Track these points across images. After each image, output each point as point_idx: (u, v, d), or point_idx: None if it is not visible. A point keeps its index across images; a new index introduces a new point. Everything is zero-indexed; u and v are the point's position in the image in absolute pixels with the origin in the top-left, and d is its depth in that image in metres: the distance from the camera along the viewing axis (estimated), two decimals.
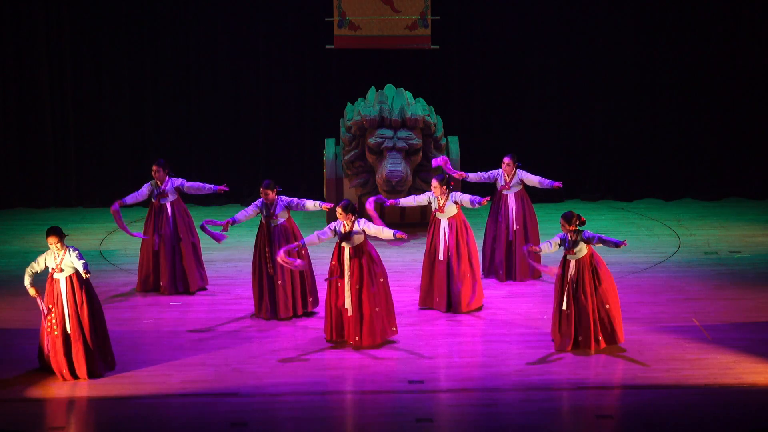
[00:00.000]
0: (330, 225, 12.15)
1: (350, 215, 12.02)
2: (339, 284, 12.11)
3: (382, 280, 12.17)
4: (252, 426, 10.18)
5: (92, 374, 11.28)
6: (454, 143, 17.30)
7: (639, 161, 19.09)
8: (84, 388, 11.03)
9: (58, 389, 10.99)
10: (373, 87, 17.08)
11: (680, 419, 10.31)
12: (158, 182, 14.04)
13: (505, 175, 14.47)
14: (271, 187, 13.05)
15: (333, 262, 12.19)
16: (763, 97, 18.88)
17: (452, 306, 13.27)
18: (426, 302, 13.45)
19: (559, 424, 10.22)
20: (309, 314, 13.22)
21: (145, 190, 14.06)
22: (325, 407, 10.64)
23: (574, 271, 11.85)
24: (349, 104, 17.17)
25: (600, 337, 11.85)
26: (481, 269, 13.91)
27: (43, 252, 11.35)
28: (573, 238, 11.85)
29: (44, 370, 11.35)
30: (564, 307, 11.85)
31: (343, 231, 12.04)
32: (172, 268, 14.08)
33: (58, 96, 18.67)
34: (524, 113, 19.11)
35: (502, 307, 13.42)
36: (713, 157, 19.06)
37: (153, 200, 14.08)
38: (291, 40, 18.81)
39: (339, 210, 12.02)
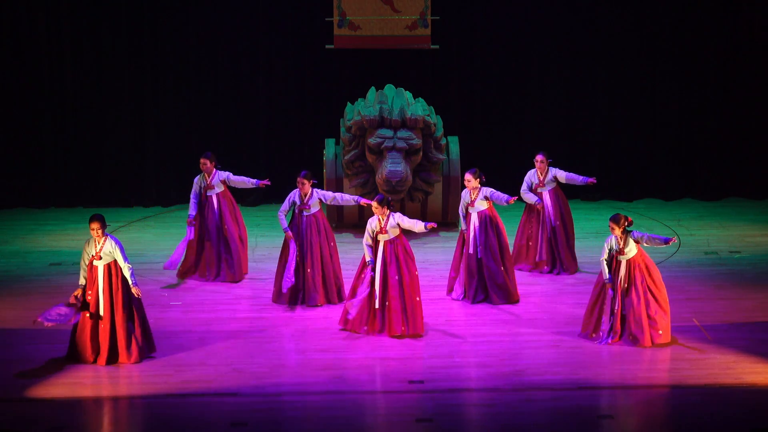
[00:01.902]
0: (367, 226, 12.47)
1: (385, 208, 12.39)
2: (368, 278, 12.42)
3: (416, 272, 12.50)
4: (252, 426, 10.18)
5: (112, 361, 11.57)
6: (454, 143, 17.30)
7: (639, 161, 19.10)
8: (84, 388, 11.03)
9: (58, 389, 10.99)
10: (373, 87, 17.09)
11: (680, 419, 10.31)
12: (206, 174, 14.45)
13: (539, 172, 14.64)
14: (309, 178, 13.51)
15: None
16: (763, 97, 18.89)
17: (487, 298, 13.60)
18: (455, 290, 13.75)
19: (559, 424, 10.21)
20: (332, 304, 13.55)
21: (195, 188, 14.46)
22: (325, 407, 10.64)
23: (625, 272, 12.06)
24: (349, 104, 17.17)
25: (656, 333, 12.06)
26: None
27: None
28: (623, 240, 12.00)
29: (72, 360, 11.56)
30: (616, 307, 12.05)
31: (378, 226, 12.39)
32: (217, 258, 14.45)
33: (58, 96, 18.67)
34: (524, 113, 19.12)
35: (503, 308, 13.42)
36: (713, 157, 19.07)
37: (202, 193, 14.52)
38: (291, 40, 18.81)
39: (375, 204, 12.40)
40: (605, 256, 12.13)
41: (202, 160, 14.51)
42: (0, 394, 10.87)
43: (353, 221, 17.16)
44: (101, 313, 11.59)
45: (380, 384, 11.14)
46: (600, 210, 18.47)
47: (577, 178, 14.75)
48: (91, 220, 11.60)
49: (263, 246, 16.33)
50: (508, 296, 13.57)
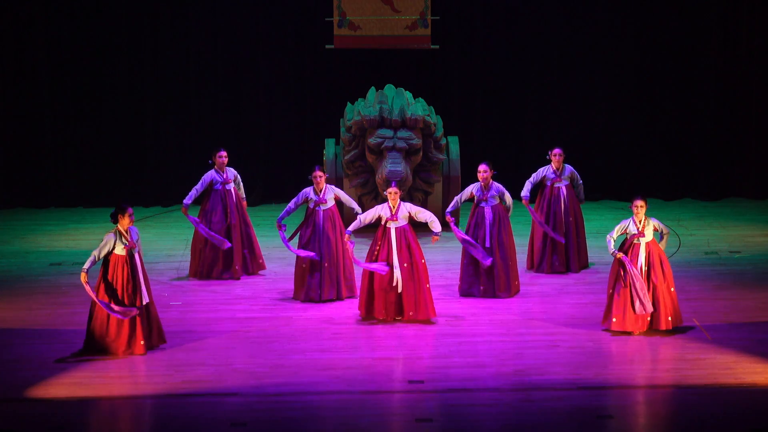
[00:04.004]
0: (374, 209, 12.82)
1: (398, 194, 12.82)
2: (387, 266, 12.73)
3: (423, 261, 12.81)
4: (252, 426, 10.17)
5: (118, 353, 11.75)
6: (454, 143, 17.30)
7: (639, 161, 19.10)
8: (84, 388, 11.03)
9: (58, 389, 10.98)
10: (373, 87, 17.08)
11: (680, 419, 10.30)
12: (222, 168, 14.54)
13: (554, 167, 14.61)
14: (324, 171, 13.73)
15: (378, 244, 12.76)
16: (763, 97, 18.89)
17: (495, 292, 13.71)
18: (468, 289, 13.81)
19: (559, 424, 10.21)
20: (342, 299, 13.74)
21: (205, 183, 14.52)
22: (325, 407, 10.64)
23: (645, 255, 12.18)
24: (349, 104, 17.17)
25: (669, 318, 12.22)
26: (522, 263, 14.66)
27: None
28: (643, 222, 12.19)
29: (93, 352, 11.72)
30: (641, 292, 12.12)
31: (389, 213, 12.71)
32: (241, 253, 14.65)
33: (58, 96, 18.67)
34: (524, 113, 19.12)
35: (503, 307, 13.43)
36: (713, 157, 19.07)
37: (217, 188, 14.55)
38: (291, 40, 18.81)
39: (395, 189, 12.74)
40: (615, 234, 12.23)
41: (224, 154, 14.53)
42: (0, 394, 10.87)
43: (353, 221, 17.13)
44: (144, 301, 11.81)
45: (380, 384, 11.13)
46: (600, 210, 18.47)
47: (581, 193, 14.88)
48: (127, 208, 11.70)
49: (264, 246, 16.31)
50: (511, 289, 13.76)
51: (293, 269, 13.97)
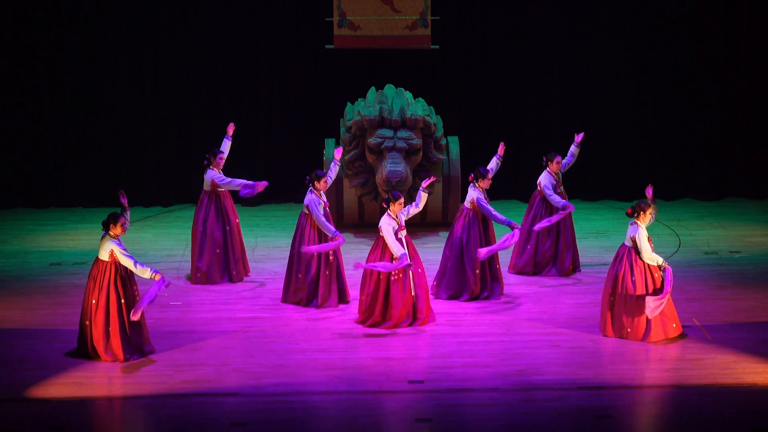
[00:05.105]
0: (389, 227, 12.42)
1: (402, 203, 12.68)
2: (407, 272, 12.58)
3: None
4: (252, 426, 10.18)
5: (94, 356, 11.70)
6: (454, 143, 17.30)
7: (639, 161, 19.09)
8: (84, 388, 11.03)
9: (58, 389, 10.99)
10: (373, 87, 17.09)
11: (680, 419, 10.31)
12: (220, 169, 14.36)
13: (554, 173, 14.58)
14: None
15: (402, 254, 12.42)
16: (763, 97, 18.89)
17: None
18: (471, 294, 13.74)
19: (559, 424, 10.21)
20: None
21: (224, 179, 14.31)
22: (325, 407, 10.64)
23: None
24: (349, 104, 17.17)
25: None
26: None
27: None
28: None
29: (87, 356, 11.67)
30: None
31: (396, 223, 12.54)
32: (242, 254, 14.51)
33: (58, 96, 18.67)
34: (524, 113, 19.11)
35: (502, 308, 13.43)
36: (713, 157, 19.07)
37: (219, 190, 14.37)
38: (291, 40, 18.81)
39: (401, 201, 12.49)
40: (652, 245, 12.03)
41: (222, 156, 14.33)
42: (0, 394, 10.87)
43: (353, 221, 17.16)
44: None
45: (380, 384, 11.14)
46: (600, 210, 18.47)
47: (569, 158, 14.81)
48: (120, 217, 11.54)
49: (263, 246, 16.35)
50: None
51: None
